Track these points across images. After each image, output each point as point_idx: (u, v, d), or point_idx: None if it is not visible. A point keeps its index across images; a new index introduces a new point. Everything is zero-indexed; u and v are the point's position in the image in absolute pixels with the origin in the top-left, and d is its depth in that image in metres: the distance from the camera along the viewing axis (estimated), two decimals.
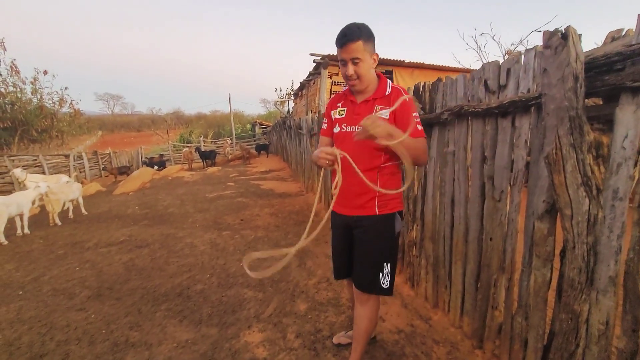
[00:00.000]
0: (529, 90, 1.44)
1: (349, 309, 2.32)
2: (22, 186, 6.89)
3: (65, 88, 16.92)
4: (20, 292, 2.83)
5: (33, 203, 4.97)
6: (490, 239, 1.71)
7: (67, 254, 3.79)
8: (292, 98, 18.86)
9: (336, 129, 1.54)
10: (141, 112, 60.72)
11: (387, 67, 9.74)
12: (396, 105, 1.36)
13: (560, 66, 1.13)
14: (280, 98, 21.24)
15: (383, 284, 1.49)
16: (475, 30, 19.69)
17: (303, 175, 7.02)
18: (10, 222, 4.59)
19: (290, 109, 19.54)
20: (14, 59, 14.86)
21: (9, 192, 8.10)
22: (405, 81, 9.78)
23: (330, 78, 9.89)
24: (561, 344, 1.29)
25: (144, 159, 16.34)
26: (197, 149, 16.13)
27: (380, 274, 1.49)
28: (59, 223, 5.25)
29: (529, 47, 1.45)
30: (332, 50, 1.46)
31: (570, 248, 1.22)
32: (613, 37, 1.17)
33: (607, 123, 1.17)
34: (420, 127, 1.38)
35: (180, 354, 1.94)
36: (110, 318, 2.35)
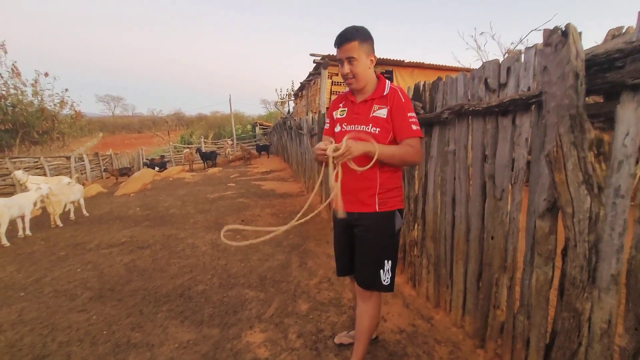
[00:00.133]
0: (529, 89, 1.44)
1: (350, 309, 2.32)
2: (24, 188, 6.91)
3: (66, 90, 17.00)
4: (22, 294, 2.84)
5: (34, 205, 4.97)
6: (492, 238, 1.71)
7: (68, 256, 3.80)
8: (293, 98, 18.87)
9: (337, 129, 1.60)
10: (142, 113, 60.89)
11: (387, 67, 9.74)
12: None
13: (560, 64, 1.12)
14: (280, 98, 21.24)
15: (384, 280, 1.52)
16: (475, 29, 19.62)
17: (304, 176, 7.02)
18: (12, 223, 4.60)
19: (291, 110, 19.54)
20: (15, 61, 14.96)
21: (11, 194, 8.12)
22: (405, 81, 9.78)
23: (330, 78, 9.89)
24: (563, 343, 1.28)
25: (144, 160, 16.37)
26: (198, 150, 16.15)
27: (381, 270, 1.52)
28: (60, 224, 5.26)
29: (528, 46, 1.45)
30: (332, 50, 1.50)
31: (572, 246, 1.21)
32: (613, 34, 1.17)
33: (608, 121, 1.17)
34: (415, 127, 1.43)
35: (182, 354, 1.94)
36: (111, 319, 2.35)
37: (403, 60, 9.68)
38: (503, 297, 1.68)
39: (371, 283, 1.54)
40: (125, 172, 12.77)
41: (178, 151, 20.18)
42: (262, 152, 16.94)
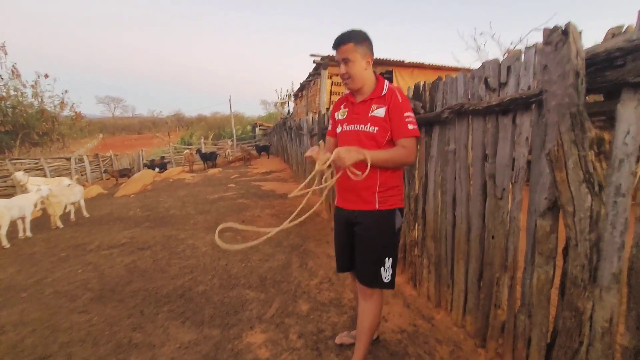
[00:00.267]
0: (529, 88, 1.44)
1: (351, 309, 2.32)
2: (24, 189, 6.91)
3: (66, 91, 17.01)
4: (23, 295, 2.84)
5: (35, 206, 4.97)
6: (493, 237, 1.71)
7: (69, 257, 3.80)
8: (292, 99, 18.87)
9: (338, 129, 1.65)
10: (142, 114, 60.81)
11: (388, 67, 9.74)
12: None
13: (561, 62, 1.12)
14: (280, 99, 21.26)
15: (385, 278, 1.55)
16: (475, 29, 19.63)
17: (304, 176, 7.02)
18: (12, 225, 4.60)
19: (291, 110, 19.55)
20: (15, 63, 14.95)
21: (11, 195, 8.12)
22: (405, 81, 9.77)
23: (330, 78, 9.88)
24: (565, 342, 1.28)
25: (145, 162, 16.39)
26: (198, 151, 16.15)
27: (382, 268, 1.54)
28: (61, 226, 5.26)
29: (528, 45, 1.45)
30: (332, 51, 1.54)
31: (573, 245, 1.21)
32: (613, 33, 1.17)
33: (608, 119, 1.17)
34: (411, 127, 1.46)
35: (183, 355, 1.94)
36: (112, 320, 2.35)
37: (403, 61, 9.67)
38: (504, 296, 1.67)
39: (372, 280, 1.56)
40: (126, 173, 12.77)
41: (178, 152, 20.18)
42: (262, 153, 16.94)
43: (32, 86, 15.72)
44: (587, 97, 1.17)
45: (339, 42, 1.46)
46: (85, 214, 5.96)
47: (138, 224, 5.18)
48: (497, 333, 1.73)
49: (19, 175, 7.11)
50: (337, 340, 1.96)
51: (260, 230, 1.37)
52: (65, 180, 6.32)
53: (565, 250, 1.27)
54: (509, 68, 1.55)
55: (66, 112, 17.25)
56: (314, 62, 9.50)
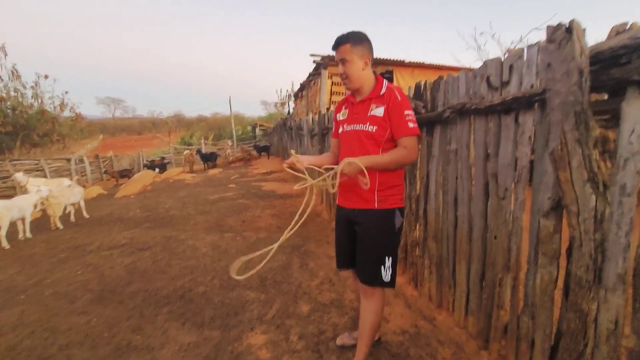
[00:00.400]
0: (532, 86, 1.42)
1: (352, 310, 2.30)
2: (24, 190, 6.90)
3: (66, 92, 17.00)
4: (22, 296, 2.83)
5: (35, 207, 4.96)
6: (495, 238, 1.69)
7: (68, 258, 3.79)
8: (293, 99, 18.87)
9: (340, 130, 1.68)
10: (142, 115, 60.71)
11: (388, 67, 9.73)
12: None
13: (564, 60, 1.11)
14: (280, 99, 21.25)
15: (385, 277, 1.56)
16: (475, 29, 19.60)
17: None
18: (12, 226, 4.59)
19: (291, 110, 19.53)
20: (15, 64, 14.96)
21: (11, 196, 8.11)
22: (405, 81, 9.76)
23: (331, 78, 9.88)
24: (569, 344, 1.26)
25: (145, 162, 16.36)
26: (198, 152, 16.14)
27: (382, 267, 1.55)
28: (61, 227, 5.25)
29: (530, 44, 1.44)
30: (333, 51, 1.57)
31: (577, 246, 1.20)
32: (617, 31, 1.15)
33: (613, 118, 1.15)
34: (411, 125, 1.47)
35: (183, 357, 1.93)
36: (112, 321, 2.33)
37: (404, 60, 9.66)
38: (507, 297, 1.66)
39: (373, 280, 1.57)
40: (126, 174, 12.76)
41: (178, 153, 20.18)
42: (262, 153, 16.94)
43: (32, 87, 15.74)
44: (590, 96, 1.15)
45: (337, 43, 1.50)
46: (85, 214, 5.95)
47: (138, 224, 5.16)
48: (500, 334, 1.71)
49: (19, 176, 7.10)
50: (338, 341, 1.95)
51: (265, 251, 1.57)
52: (65, 181, 6.31)
53: (569, 250, 1.25)
54: (511, 66, 1.53)
55: (66, 113, 17.25)
56: (314, 62, 9.50)
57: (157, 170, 13.07)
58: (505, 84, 1.58)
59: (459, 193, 2.00)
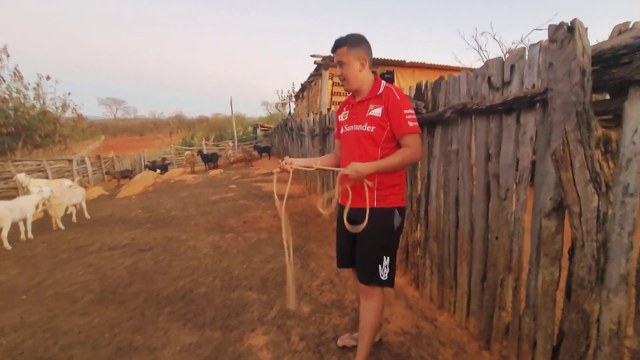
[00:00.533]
0: (533, 86, 1.42)
1: (353, 311, 2.30)
2: (26, 191, 6.92)
3: (69, 93, 17.07)
4: (24, 297, 2.83)
5: (36, 208, 4.97)
6: (496, 238, 1.69)
7: (70, 258, 3.79)
8: (294, 100, 18.88)
9: (342, 131, 1.70)
10: (143, 116, 60.76)
11: (389, 68, 9.73)
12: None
13: (566, 60, 1.11)
14: (281, 100, 21.28)
15: (382, 275, 1.57)
16: (476, 29, 19.57)
17: (305, 177, 7.01)
18: (14, 226, 4.60)
19: (292, 111, 19.55)
20: (17, 65, 15.03)
21: (13, 197, 8.13)
22: (406, 81, 9.76)
23: (331, 79, 9.88)
24: (571, 345, 1.26)
25: (146, 163, 16.41)
26: (199, 152, 16.17)
27: (380, 266, 1.57)
28: (62, 227, 5.26)
29: (532, 44, 1.44)
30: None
31: (579, 246, 1.19)
32: (620, 30, 1.15)
33: (615, 118, 1.15)
34: (412, 124, 1.48)
35: (184, 357, 1.92)
36: (113, 322, 2.33)
37: (404, 61, 9.66)
38: (508, 298, 1.65)
39: (370, 277, 1.58)
40: (127, 175, 12.79)
41: (179, 153, 20.22)
42: (263, 154, 16.95)
43: (34, 88, 15.82)
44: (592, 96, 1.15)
45: (335, 46, 1.55)
46: (87, 215, 5.96)
47: (139, 225, 5.17)
48: (502, 335, 1.70)
49: (21, 176, 7.13)
50: (339, 342, 1.94)
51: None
52: (67, 182, 6.33)
53: (571, 251, 1.25)
54: (512, 66, 1.53)
55: (68, 114, 17.35)
56: (314, 62, 9.49)
57: (158, 171, 13.09)
58: (506, 83, 1.57)
59: (460, 193, 1.99)
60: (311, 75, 11.25)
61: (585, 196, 1.14)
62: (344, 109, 1.72)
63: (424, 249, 2.39)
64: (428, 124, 2.24)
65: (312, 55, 9.20)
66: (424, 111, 2.21)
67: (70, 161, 12.39)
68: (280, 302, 2.49)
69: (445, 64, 10.44)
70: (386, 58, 9.22)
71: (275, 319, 2.27)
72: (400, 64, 9.76)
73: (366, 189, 1.49)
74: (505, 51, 11.05)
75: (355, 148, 1.57)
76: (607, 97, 1.27)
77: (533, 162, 1.49)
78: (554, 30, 1.16)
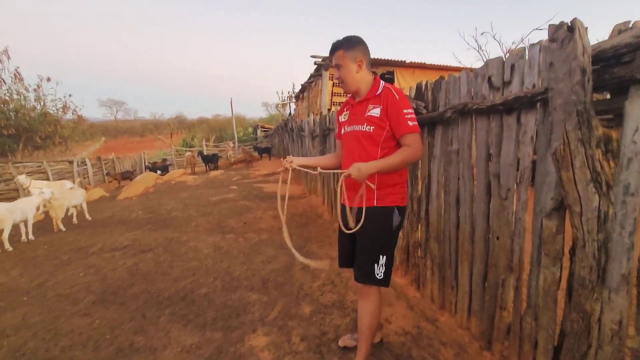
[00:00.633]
0: (534, 86, 1.42)
1: (353, 312, 2.30)
2: (27, 192, 6.93)
3: (69, 95, 17.09)
4: (25, 298, 2.83)
5: (37, 209, 4.98)
6: (497, 238, 1.69)
7: (71, 260, 3.80)
8: (294, 100, 18.89)
9: (342, 131, 1.71)
10: (144, 117, 60.86)
11: (389, 68, 9.73)
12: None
13: (567, 59, 1.11)
14: (281, 101, 21.30)
15: (377, 274, 1.57)
16: (476, 29, 19.59)
17: (305, 178, 7.01)
18: (15, 228, 4.61)
19: (292, 112, 19.56)
20: (18, 67, 15.06)
21: (14, 198, 8.15)
22: (406, 81, 9.76)
23: (332, 79, 9.89)
24: (572, 345, 1.26)
25: (147, 164, 16.44)
26: (200, 153, 16.18)
27: (376, 264, 1.57)
28: (63, 229, 5.26)
29: (532, 43, 1.44)
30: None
31: (580, 246, 1.19)
32: (620, 29, 1.15)
33: (616, 117, 1.15)
34: (411, 123, 1.48)
35: (185, 358, 1.92)
36: (114, 323, 2.33)
37: (404, 61, 9.67)
38: (509, 298, 1.65)
39: (365, 277, 1.59)
40: (128, 176, 12.81)
41: (180, 154, 20.24)
42: (264, 155, 16.96)
43: (35, 90, 15.84)
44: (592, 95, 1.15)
45: (332, 50, 1.58)
46: (88, 216, 5.97)
47: (140, 226, 5.17)
48: (503, 335, 1.70)
49: (22, 178, 7.14)
50: (340, 343, 1.94)
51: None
52: (68, 183, 6.34)
53: (572, 251, 1.24)
54: (512, 66, 1.53)
55: (69, 116, 17.35)
56: (315, 63, 9.50)
57: (159, 172, 13.10)
58: (507, 83, 1.57)
59: (460, 194, 1.99)
60: (311, 76, 11.27)
61: (586, 196, 1.13)
62: (345, 109, 1.74)
63: (425, 250, 2.39)
64: (428, 124, 2.24)
65: (312, 56, 9.21)
66: (424, 111, 2.20)
67: (71, 163, 12.40)
68: (282, 303, 2.49)
69: (445, 64, 10.44)
70: (386, 58, 9.22)
71: (276, 319, 2.27)
72: (401, 64, 9.76)
73: (364, 188, 1.50)
74: (505, 51, 11.05)
75: (355, 148, 1.58)
76: (608, 96, 1.27)
77: (534, 162, 1.49)
78: (554, 29, 1.16)
